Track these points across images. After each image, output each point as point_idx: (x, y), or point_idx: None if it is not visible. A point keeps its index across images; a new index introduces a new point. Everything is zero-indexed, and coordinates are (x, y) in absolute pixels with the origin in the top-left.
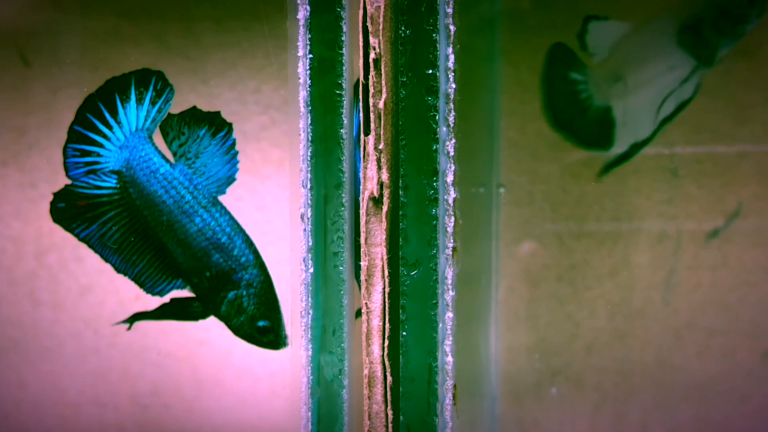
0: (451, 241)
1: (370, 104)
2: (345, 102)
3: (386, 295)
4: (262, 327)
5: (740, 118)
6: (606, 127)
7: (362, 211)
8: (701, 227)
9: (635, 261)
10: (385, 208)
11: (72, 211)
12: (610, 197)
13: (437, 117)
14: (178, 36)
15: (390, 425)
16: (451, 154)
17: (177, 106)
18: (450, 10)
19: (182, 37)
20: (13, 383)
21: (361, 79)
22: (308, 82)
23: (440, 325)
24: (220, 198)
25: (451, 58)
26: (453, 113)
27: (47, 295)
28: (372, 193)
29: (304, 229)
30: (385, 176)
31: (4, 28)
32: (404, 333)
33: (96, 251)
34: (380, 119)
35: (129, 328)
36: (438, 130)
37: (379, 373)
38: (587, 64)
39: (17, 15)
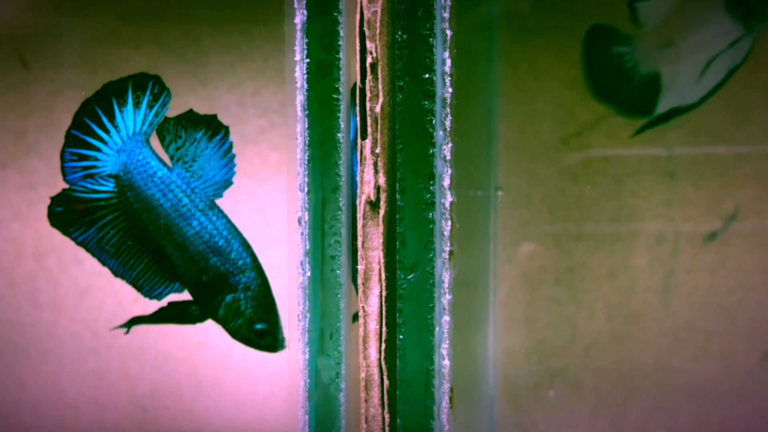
0: (448, 244)
1: (367, 108)
2: (342, 106)
3: (383, 299)
4: (260, 330)
5: (738, 120)
6: (651, 93)
7: (359, 215)
8: (699, 229)
9: (633, 263)
10: (382, 211)
11: (70, 215)
12: (608, 199)
13: (434, 121)
14: (178, 39)
15: (387, 428)
16: (448, 157)
17: (176, 109)
18: (447, 15)
19: (181, 40)
20: (13, 385)
21: (358, 83)
22: (305, 86)
23: (437, 328)
24: (219, 201)
25: (448, 62)
26: (449, 117)
27: (46, 297)
28: (369, 197)
29: (302, 233)
30: (382, 180)
31: (4, 31)
32: (401, 336)
33: (94, 255)
34: (377, 123)
35: (127, 332)
36: (434, 134)
37: (376, 377)
38: (633, 35)
39: (17, 18)
